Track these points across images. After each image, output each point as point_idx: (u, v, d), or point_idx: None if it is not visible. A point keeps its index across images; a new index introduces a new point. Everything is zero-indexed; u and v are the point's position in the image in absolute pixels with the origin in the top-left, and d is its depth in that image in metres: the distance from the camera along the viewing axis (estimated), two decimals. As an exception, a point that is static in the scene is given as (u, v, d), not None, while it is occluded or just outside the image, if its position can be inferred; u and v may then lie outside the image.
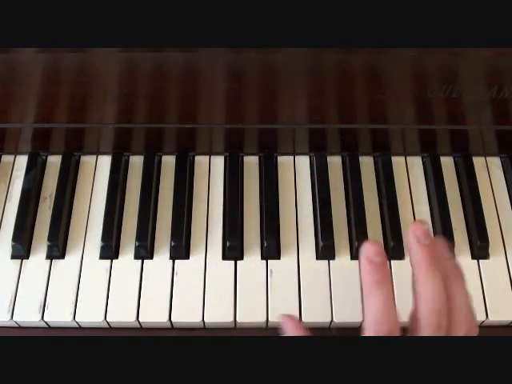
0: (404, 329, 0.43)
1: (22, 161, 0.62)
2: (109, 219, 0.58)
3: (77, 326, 0.55)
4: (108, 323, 0.54)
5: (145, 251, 0.56)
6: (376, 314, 0.39)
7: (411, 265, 0.43)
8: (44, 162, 0.63)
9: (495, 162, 0.64)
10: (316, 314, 0.54)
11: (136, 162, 0.63)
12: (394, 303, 0.40)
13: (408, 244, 0.42)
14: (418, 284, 0.41)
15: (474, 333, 0.43)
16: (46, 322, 0.54)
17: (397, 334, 0.40)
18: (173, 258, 0.57)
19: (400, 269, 0.56)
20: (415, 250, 0.41)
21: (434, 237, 0.44)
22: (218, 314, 0.54)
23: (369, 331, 0.40)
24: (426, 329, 0.40)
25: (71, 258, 0.57)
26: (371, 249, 0.40)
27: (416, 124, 0.60)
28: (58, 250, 0.56)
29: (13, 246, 0.56)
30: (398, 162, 0.63)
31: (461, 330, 0.41)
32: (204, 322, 0.54)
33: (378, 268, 0.40)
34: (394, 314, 0.40)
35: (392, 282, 0.56)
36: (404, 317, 0.43)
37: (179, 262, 0.57)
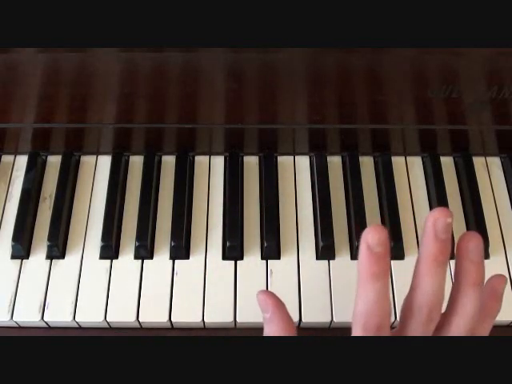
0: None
1: (22, 161, 0.62)
2: (109, 219, 0.58)
3: (77, 325, 0.55)
4: (108, 323, 0.54)
5: (145, 251, 0.57)
6: (368, 304, 0.36)
7: (419, 252, 0.39)
8: (44, 162, 0.63)
9: (495, 162, 0.64)
10: (316, 314, 0.54)
11: (136, 162, 0.63)
12: (389, 297, 0.37)
13: (424, 229, 0.38)
14: (418, 274, 0.39)
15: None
16: (46, 322, 0.54)
17: (386, 328, 0.38)
18: (173, 258, 0.57)
19: (400, 269, 0.56)
20: (428, 242, 0.37)
21: (470, 233, 0.39)
22: (218, 314, 0.54)
23: (358, 322, 0.38)
24: (417, 319, 0.38)
25: (71, 258, 0.57)
26: (375, 236, 0.35)
27: (416, 124, 0.60)
28: (58, 250, 0.56)
29: (13, 246, 0.56)
30: (398, 161, 0.63)
31: (456, 334, 0.40)
32: (204, 322, 0.54)
33: (377, 260, 0.36)
34: (387, 308, 0.37)
35: (392, 282, 0.56)
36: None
37: (179, 262, 0.57)
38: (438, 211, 0.37)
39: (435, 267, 0.37)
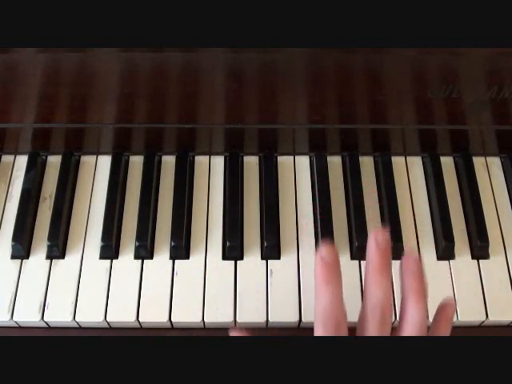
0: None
1: (22, 161, 0.62)
2: (109, 219, 0.58)
3: (77, 325, 0.55)
4: (108, 323, 0.54)
5: (145, 251, 0.57)
6: (324, 307, 0.42)
7: (366, 266, 0.45)
8: (44, 162, 0.63)
9: (495, 162, 0.64)
10: (316, 314, 0.54)
11: (136, 162, 0.63)
12: (342, 300, 0.43)
13: (367, 248, 0.45)
14: (368, 284, 0.44)
15: None
16: (45, 322, 0.54)
17: (344, 327, 0.43)
18: (173, 258, 0.57)
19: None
20: (371, 254, 0.44)
21: (409, 254, 0.46)
22: (218, 314, 0.54)
23: (317, 322, 0.43)
24: (372, 322, 0.43)
25: (71, 258, 0.57)
26: (324, 249, 0.44)
27: (416, 124, 0.60)
28: (58, 249, 0.56)
29: (13, 246, 0.56)
30: (398, 161, 0.63)
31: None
32: (204, 322, 0.54)
33: (327, 266, 0.43)
34: (342, 309, 0.43)
35: (392, 282, 0.56)
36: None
37: (179, 262, 0.57)
38: (377, 230, 0.45)
39: (380, 275, 0.43)
